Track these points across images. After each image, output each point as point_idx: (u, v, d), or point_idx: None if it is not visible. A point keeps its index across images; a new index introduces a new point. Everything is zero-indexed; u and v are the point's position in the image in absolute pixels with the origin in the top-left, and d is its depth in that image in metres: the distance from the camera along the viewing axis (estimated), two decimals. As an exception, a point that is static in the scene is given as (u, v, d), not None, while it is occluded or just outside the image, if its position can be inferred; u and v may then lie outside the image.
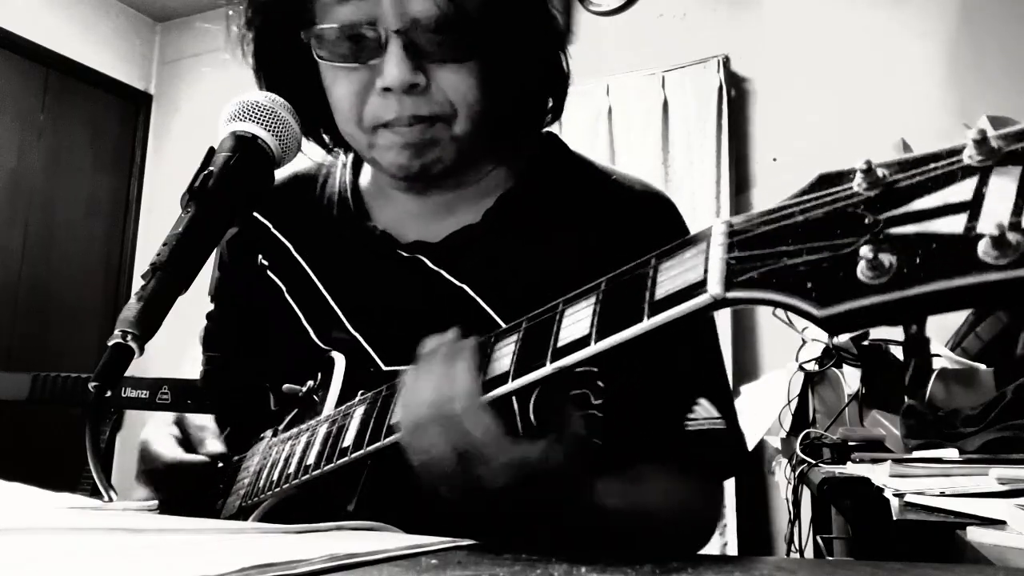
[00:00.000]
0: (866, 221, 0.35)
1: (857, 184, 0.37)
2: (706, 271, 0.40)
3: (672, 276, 0.43)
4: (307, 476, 0.66)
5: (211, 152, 0.72)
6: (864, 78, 3.04)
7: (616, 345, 0.45)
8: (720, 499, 0.83)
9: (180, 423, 0.81)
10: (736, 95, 3.28)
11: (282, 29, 0.79)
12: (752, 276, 0.38)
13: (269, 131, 0.74)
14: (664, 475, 0.76)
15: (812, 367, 2.09)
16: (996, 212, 0.32)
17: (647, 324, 0.43)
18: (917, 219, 0.34)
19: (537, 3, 0.81)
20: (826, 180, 0.39)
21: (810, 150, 3.02)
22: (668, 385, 0.78)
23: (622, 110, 3.39)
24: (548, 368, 0.48)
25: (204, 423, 0.80)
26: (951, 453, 1.41)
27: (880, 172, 0.36)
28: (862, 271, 0.34)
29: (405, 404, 0.57)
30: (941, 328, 2.27)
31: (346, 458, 0.62)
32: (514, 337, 0.53)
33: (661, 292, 0.43)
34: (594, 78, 3.40)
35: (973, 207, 0.33)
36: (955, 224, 0.33)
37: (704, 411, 0.76)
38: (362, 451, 0.61)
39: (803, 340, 2.15)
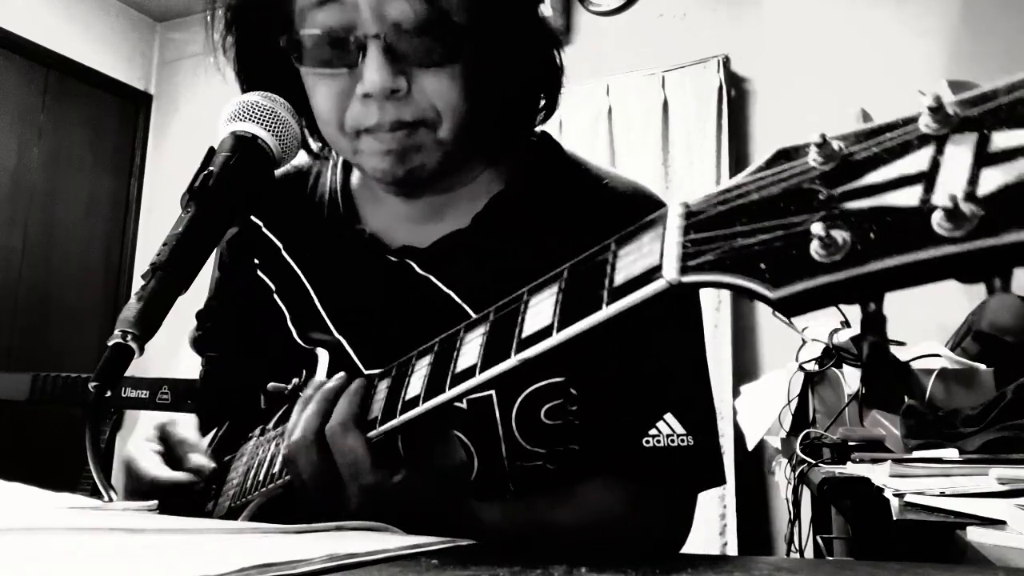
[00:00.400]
0: (820, 197, 0.34)
1: (812, 158, 0.35)
2: (662, 255, 0.39)
3: (630, 261, 0.42)
4: (287, 477, 0.66)
5: (211, 152, 0.72)
6: (864, 78, 3.03)
7: (581, 334, 0.43)
8: (686, 516, 0.80)
9: (163, 437, 0.80)
10: (736, 95, 3.28)
11: (262, 35, 0.78)
12: (707, 259, 0.37)
13: (269, 131, 0.74)
14: (622, 490, 0.75)
15: (812, 367, 2.09)
16: (951, 182, 0.31)
17: (607, 312, 0.41)
18: (872, 193, 0.33)
19: (523, 3, 0.79)
20: (783, 155, 0.38)
21: (810, 150, 3.02)
22: (630, 399, 0.76)
23: (622, 110, 3.39)
24: (513, 360, 0.47)
25: (186, 437, 0.79)
26: (951, 453, 1.41)
27: (836, 145, 0.35)
28: (815, 249, 0.33)
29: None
30: (941, 328, 2.28)
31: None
32: (482, 329, 0.52)
33: (620, 278, 0.42)
34: (594, 78, 3.40)
35: (928, 178, 0.31)
36: (910, 196, 0.31)
37: (667, 428, 0.74)
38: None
39: (803, 340, 2.15)
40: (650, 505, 0.77)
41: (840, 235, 0.32)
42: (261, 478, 0.71)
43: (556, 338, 0.44)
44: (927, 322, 2.16)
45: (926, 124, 0.33)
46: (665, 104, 3.32)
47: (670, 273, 0.38)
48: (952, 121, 0.32)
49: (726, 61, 3.26)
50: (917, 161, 0.32)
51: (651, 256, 0.40)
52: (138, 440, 0.80)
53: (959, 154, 0.31)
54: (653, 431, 0.74)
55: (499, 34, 0.75)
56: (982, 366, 1.92)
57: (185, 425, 0.81)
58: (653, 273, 0.39)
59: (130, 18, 4.51)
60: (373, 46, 0.70)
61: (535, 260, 0.79)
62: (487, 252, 0.80)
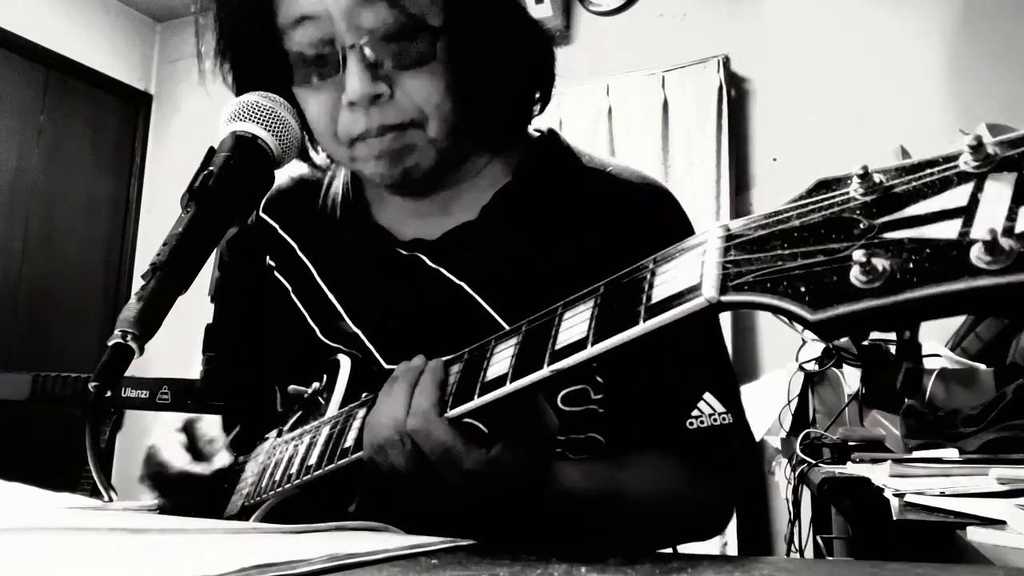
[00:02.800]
0: (861, 226, 0.35)
1: (854, 189, 0.37)
2: (702, 275, 0.40)
3: (669, 279, 0.43)
4: (308, 476, 0.66)
5: (211, 152, 0.72)
6: (864, 78, 3.04)
7: (613, 348, 0.45)
8: (730, 493, 0.83)
9: (188, 430, 0.81)
10: (736, 95, 3.28)
11: (253, 46, 0.80)
12: (747, 280, 0.38)
13: (269, 131, 0.74)
14: (676, 468, 0.77)
15: (812, 367, 2.09)
16: (990, 218, 0.32)
17: (643, 327, 0.43)
18: (912, 224, 0.34)
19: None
20: (824, 185, 0.39)
21: (810, 150, 3.02)
22: (670, 382, 0.78)
23: (622, 110, 3.39)
24: (545, 371, 0.48)
25: (213, 435, 0.80)
26: (951, 453, 1.41)
27: (877, 177, 0.36)
28: (855, 275, 0.34)
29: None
30: (941, 328, 2.28)
31: (347, 459, 0.62)
32: (514, 340, 0.53)
33: (657, 295, 0.43)
34: (594, 78, 3.40)
35: (968, 213, 0.32)
36: (949, 229, 0.33)
37: (708, 407, 0.77)
38: (361, 452, 0.61)
39: (803, 340, 2.15)
40: (704, 483, 0.79)
41: (880, 263, 0.33)
42: (277, 478, 0.71)
43: (591, 351, 0.45)
44: (927, 322, 2.16)
45: (966, 162, 0.34)
46: (665, 104, 3.32)
47: (709, 292, 0.39)
48: (992, 160, 0.33)
49: (726, 61, 3.26)
50: (957, 197, 0.33)
51: (691, 275, 0.41)
52: (164, 431, 0.81)
53: (998, 192, 0.32)
54: (695, 412, 0.77)
55: (476, 29, 0.76)
56: (982, 366, 1.92)
57: (211, 423, 0.82)
58: (692, 291, 0.41)
59: (130, 18, 4.51)
60: (352, 56, 0.73)
61: (544, 248, 0.80)
62: (496, 243, 0.82)
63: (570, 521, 0.67)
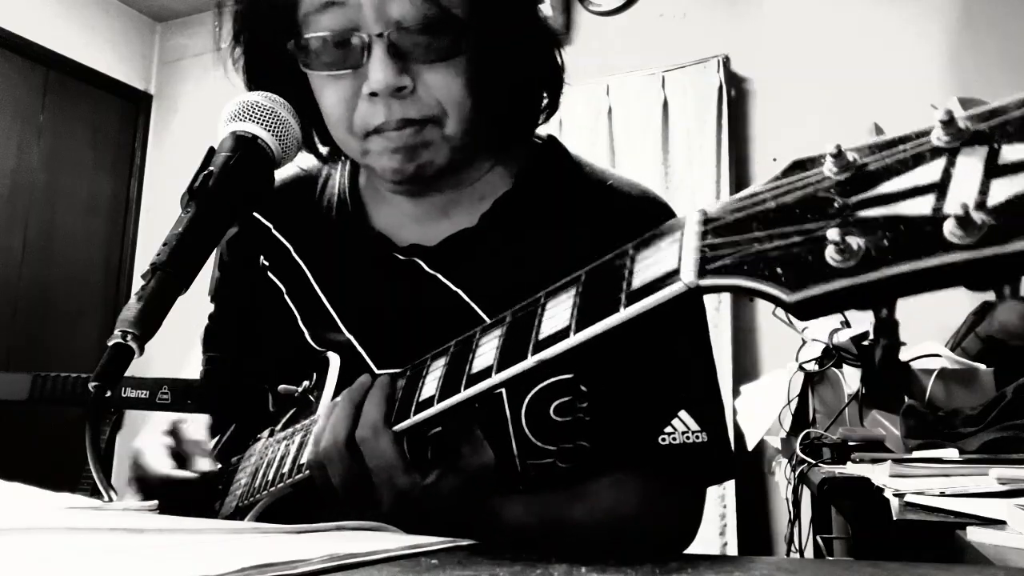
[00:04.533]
0: (835, 205, 0.36)
1: (828, 168, 0.37)
2: (680, 259, 0.41)
3: (648, 265, 0.43)
4: (300, 475, 0.66)
5: (211, 152, 0.72)
6: (864, 78, 3.03)
7: (597, 336, 0.45)
8: (698, 512, 0.82)
9: (174, 433, 0.81)
10: (736, 95, 3.28)
11: (270, 42, 0.79)
12: (725, 264, 0.38)
13: (269, 131, 0.74)
14: (636, 488, 0.76)
15: (812, 367, 2.09)
16: (963, 192, 0.32)
17: (624, 314, 0.43)
18: (886, 201, 0.34)
19: (523, 1, 0.80)
20: (798, 165, 0.39)
21: (810, 150, 2.99)
22: (645, 397, 0.77)
23: (622, 110, 3.39)
24: (530, 361, 0.48)
25: (198, 437, 0.80)
26: (951, 453, 1.41)
27: (850, 156, 0.36)
28: (830, 255, 0.34)
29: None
30: (941, 328, 2.27)
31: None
32: (498, 331, 0.53)
33: (637, 281, 0.43)
34: (594, 78, 3.40)
35: (940, 188, 0.33)
36: (923, 205, 0.33)
37: (682, 425, 0.76)
38: None
39: (803, 340, 2.15)
40: (663, 502, 0.78)
41: (855, 241, 0.33)
42: (270, 478, 0.71)
43: (573, 339, 0.45)
44: (927, 322, 2.15)
45: (938, 137, 0.34)
46: (665, 104, 3.32)
47: (688, 276, 0.40)
48: (964, 135, 0.33)
49: (726, 61, 3.26)
50: (929, 172, 0.33)
51: (669, 260, 0.41)
52: (149, 434, 0.81)
53: (970, 166, 0.32)
54: (668, 429, 0.75)
55: (500, 29, 0.76)
56: (982, 366, 1.92)
57: (197, 425, 0.82)
58: (671, 276, 0.41)
59: (130, 18, 4.51)
60: (377, 45, 0.72)
61: (542, 259, 0.79)
62: (495, 251, 0.81)
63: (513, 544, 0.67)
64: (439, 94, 0.74)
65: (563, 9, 3.57)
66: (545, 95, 0.85)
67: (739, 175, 3.23)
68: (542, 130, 0.90)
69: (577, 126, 3.35)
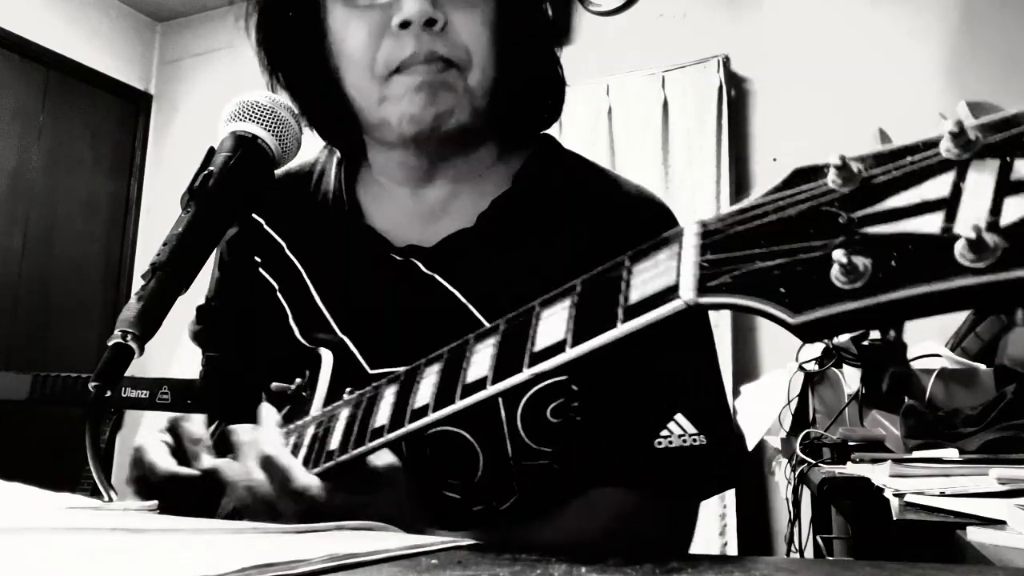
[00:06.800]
0: (840, 220, 0.34)
1: (831, 180, 0.35)
2: (679, 275, 0.39)
3: (646, 279, 0.41)
4: None
5: (211, 152, 0.72)
6: (864, 78, 3.03)
7: (593, 350, 0.43)
8: (691, 520, 0.79)
9: (174, 431, 0.80)
10: (736, 95, 3.28)
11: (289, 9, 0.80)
12: (725, 281, 0.37)
13: (269, 131, 0.74)
14: (630, 495, 0.74)
15: (812, 367, 2.09)
16: (974, 211, 0.30)
17: (621, 330, 0.41)
18: (893, 218, 0.32)
19: None
20: (800, 175, 0.37)
21: (810, 150, 2.97)
22: (640, 399, 0.75)
23: (622, 110, 3.39)
24: (525, 374, 0.46)
25: (199, 435, 0.79)
26: (951, 453, 1.41)
27: (855, 167, 0.34)
28: (836, 275, 0.32)
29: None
30: (941, 328, 2.28)
31: (332, 462, 0.62)
32: (493, 340, 0.51)
33: (635, 296, 0.41)
34: (594, 78, 3.40)
35: (950, 205, 0.31)
36: (932, 223, 0.31)
37: (679, 428, 0.73)
38: (347, 455, 0.61)
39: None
40: (656, 508, 0.76)
41: (861, 261, 0.32)
42: None
43: (570, 353, 0.44)
44: (927, 322, 2.15)
45: (947, 149, 0.32)
46: (665, 104, 3.32)
47: (687, 294, 0.38)
48: (974, 146, 0.32)
49: (726, 61, 3.26)
50: (938, 187, 0.32)
51: (667, 275, 0.40)
52: (149, 432, 0.80)
53: (981, 181, 0.31)
54: (664, 432, 0.73)
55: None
56: (982, 366, 1.92)
57: (197, 423, 0.81)
58: (670, 293, 0.39)
59: (130, 18, 4.51)
60: None
61: (540, 260, 0.79)
62: (492, 252, 0.81)
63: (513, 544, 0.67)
64: (466, 37, 0.75)
65: (563, 9, 3.57)
66: (549, 97, 0.85)
67: (739, 175, 3.23)
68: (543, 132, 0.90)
69: (577, 126, 3.35)
